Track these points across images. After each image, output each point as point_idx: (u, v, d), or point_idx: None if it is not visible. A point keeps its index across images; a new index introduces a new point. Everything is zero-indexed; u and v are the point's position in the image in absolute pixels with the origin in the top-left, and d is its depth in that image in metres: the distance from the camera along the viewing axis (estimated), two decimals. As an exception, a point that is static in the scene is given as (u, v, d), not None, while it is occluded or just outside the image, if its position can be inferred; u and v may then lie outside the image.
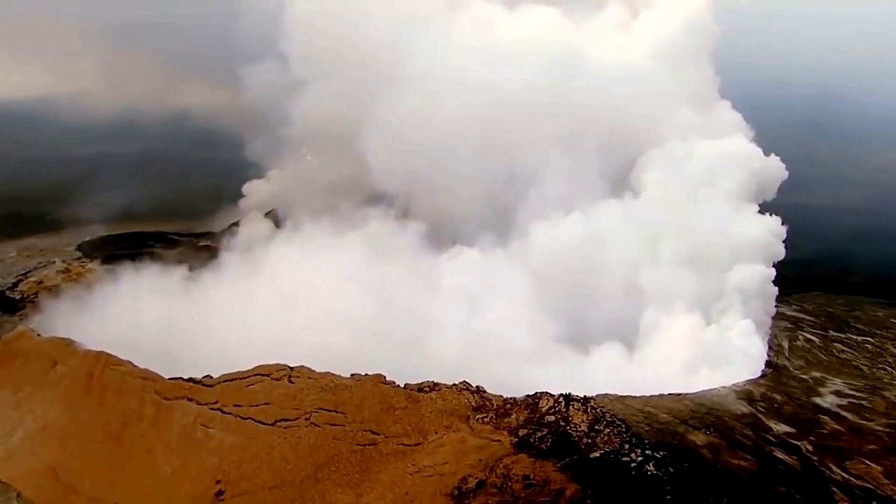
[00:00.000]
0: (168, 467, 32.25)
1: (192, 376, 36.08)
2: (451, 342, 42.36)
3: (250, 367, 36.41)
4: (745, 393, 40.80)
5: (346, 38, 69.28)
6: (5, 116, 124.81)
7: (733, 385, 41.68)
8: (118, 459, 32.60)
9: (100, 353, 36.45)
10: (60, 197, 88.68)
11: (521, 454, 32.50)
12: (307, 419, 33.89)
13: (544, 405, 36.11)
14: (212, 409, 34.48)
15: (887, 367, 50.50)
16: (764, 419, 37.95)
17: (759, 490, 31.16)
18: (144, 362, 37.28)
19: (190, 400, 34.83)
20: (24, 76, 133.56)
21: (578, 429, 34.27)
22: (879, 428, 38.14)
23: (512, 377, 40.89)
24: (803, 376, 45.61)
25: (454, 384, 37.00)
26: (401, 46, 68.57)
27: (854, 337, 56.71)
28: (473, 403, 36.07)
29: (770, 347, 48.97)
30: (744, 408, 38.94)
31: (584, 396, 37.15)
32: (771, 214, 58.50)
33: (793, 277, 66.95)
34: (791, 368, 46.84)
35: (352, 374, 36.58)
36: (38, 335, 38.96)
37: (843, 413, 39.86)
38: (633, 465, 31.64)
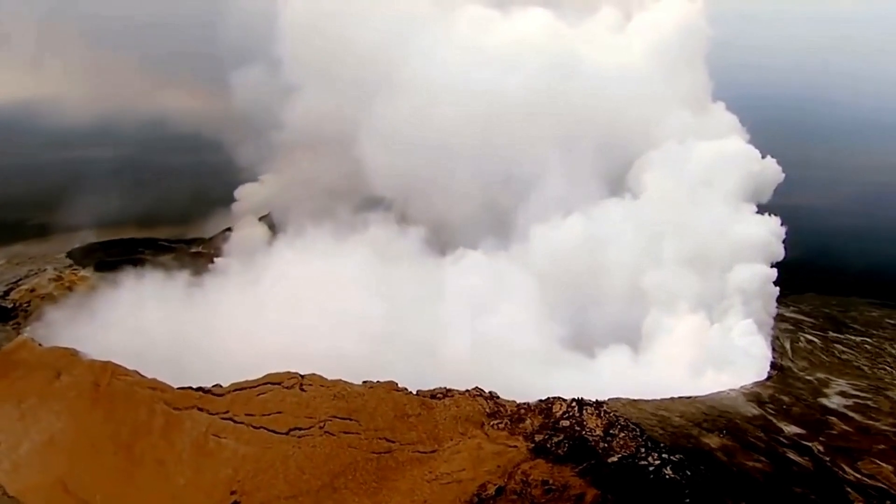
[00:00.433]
0: (181, 478, 32.05)
1: (202, 385, 35.89)
2: (459, 347, 42.59)
3: (260, 376, 36.36)
4: (753, 395, 41.55)
5: (340, 41, 69.35)
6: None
7: (742, 387, 42.44)
8: (129, 471, 32.33)
9: (106, 362, 36.14)
10: (44, 203, 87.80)
11: (538, 459, 32.78)
12: (321, 427, 33.89)
13: (558, 410, 36.45)
14: (223, 418, 34.34)
15: (887, 367, 51.68)
16: (774, 421, 38.66)
17: (775, 491, 31.74)
18: (150, 371, 37.12)
19: (200, 410, 34.65)
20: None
21: (594, 433, 34.65)
22: (886, 428, 39.02)
23: (520, 381, 41.24)
24: (808, 377, 46.52)
25: (467, 390, 37.22)
26: (396, 49, 68.88)
27: (853, 338, 57.92)
28: (487, 409, 36.30)
29: (773, 349, 49.81)
30: (754, 410, 39.63)
31: (597, 401, 37.57)
32: (770, 215, 59.82)
33: (786, 279, 68.28)
34: (795, 370, 47.76)
35: (364, 382, 36.62)
36: (40, 345, 38.47)
37: (850, 414, 40.73)
38: (650, 468, 32.06)
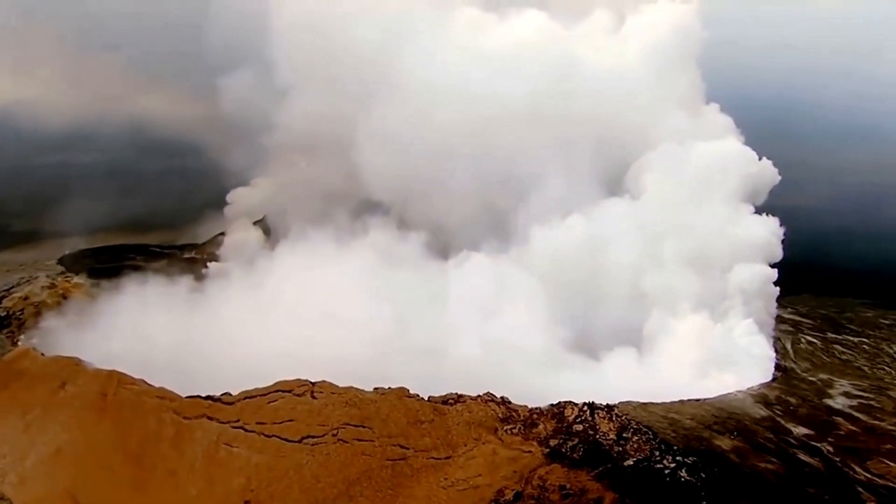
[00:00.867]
0: (193, 489, 31.86)
1: (210, 394, 35.73)
2: (467, 351, 42.81)
3: (268, 383, 36.26)
4: (760, 396, 42.23)
5: (335, 43, 69.43)
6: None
7: (748, 389, 43.15)
8: (140, 482, 32.06)
9: (111, 371, 35.76)
10: (29, 209, 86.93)
11: (554, 464, 33.09)
12: (334, 435, 33.89)
13: (570, 414, 36.79)
14: (234, 427, 34.18)
15: (886, 367, 52.70)
16: (782, 422, 39.34)
17: (788, 493, 32.33)
18: (154, 380, 36.86)
19: (210, 419, 34.46)
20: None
21: (607, 437, 35.03)
22: (892, 428, 39.86)
23: (528, 385, 41.55)
24: (811, 378, 47.34)
25: (479, 395, 37.44)
26: (393, 52, 69.08)
27: (851, 338, 58.98)
28: (500, 415, 36.54)
29: (776, 350, 50.63)
30: (762, 411, 40.29)
31: (607, 404, 37.97)
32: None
33: (781, 280, 69.35)
34: (798, 371, 48.58)
35: (375, 388, 36.70)
36: (42, 354, 38.01)
37: (856, 414, 41.53)
38: (666, 471, 32.52)
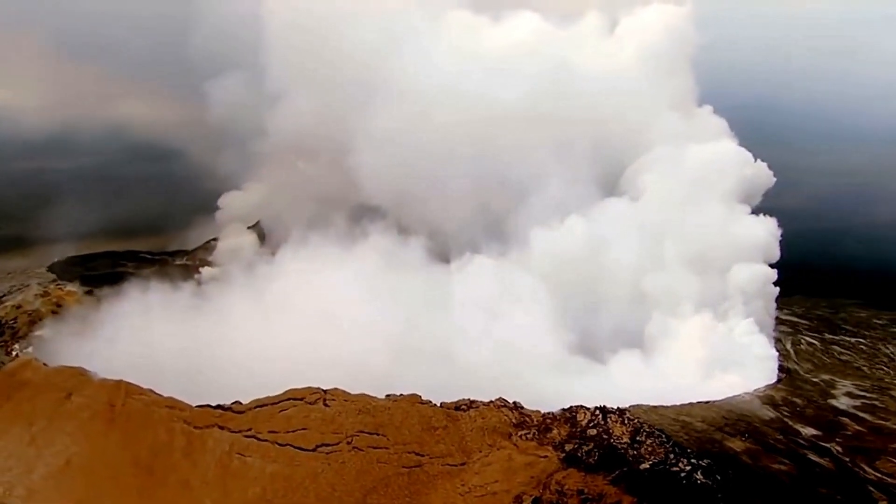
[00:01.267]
0: (208, 500, 31.70)
1: (220, 403, 35.57)
2: (475, 355, 43.03)
3: (279, 390, 36.21)
4: (767, 398, 42.99)
5: (329, 47, 69.43)
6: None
7: (755, 391, 43.88)
8: (152, 493, 31.82)
9: (118, 381, 35.47)
10: (13, 215, 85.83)
11: (570, 469, 33.39)
12: (349, 443, 33.92)
13: (582, 418, 37.13)
14: (246, 436, 34.07)
15: (884, 367, 53.81)
16: (791, 423, 40.08)
17: (801, 493, 32.97)
18: (159, 389, 36.61)
19: (221, 428, 34.30)
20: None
21: (621, 441, 35.41)
22: (897, 427, 40.76)
23: (538, 389, 41.95)
24: (814, 379, 48.24)
25: (491, 401, 37.65)
26: (387, 55, 69.23)
27: (848, 339, 60.16)
28: (513, 420, 36.77)
29: (778, 352, 51.46)
30: (770, 413, 41.00)
31: (618, 408, 38.38)
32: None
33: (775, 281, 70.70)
34: (801, 372, 49.48)
35: (387, 395, 36.79)
36: (45, 364, 37.58)
37: (861, 414, 42.41)
38: (682, 474, 32.95)
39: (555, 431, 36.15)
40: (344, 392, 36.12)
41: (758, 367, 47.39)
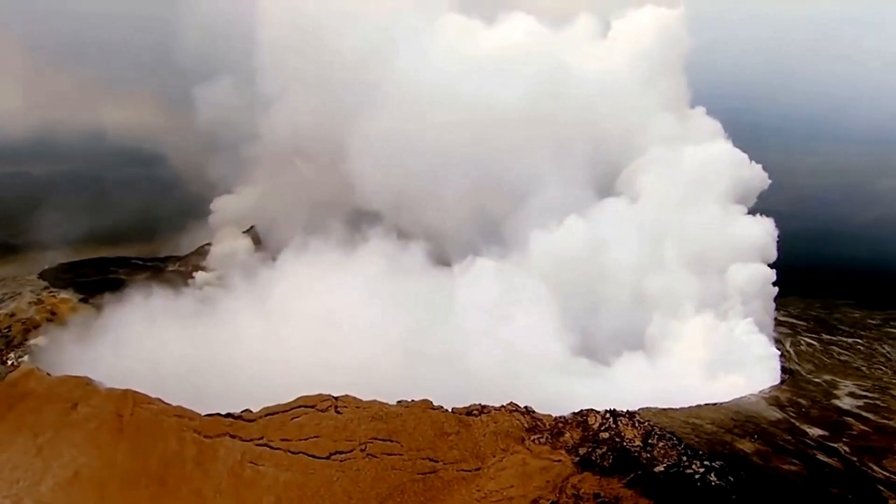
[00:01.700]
0: (222, 510, 31.60)
1: (230, 411, 35.46)
2: (482, 358, 43.28)
3: (287, 396, 36.17)
4: (773, 399, 43.72)
5: (323, 51, 69.48)
6: None
7: (761, 392, 44.57)
8: (165, 504, 31.70)
9: (125, 391, 35.21)
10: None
11: (585, 473, 33.74)
12: (362, 450, 33.97)
13: (594, 422, 37.51)
14: (258, 445, 33.99)
15: (882, 367, 54.94)
16: (797, 424, 40.80)
17: (813, 494, 33.59)
18: (166, 399, 36.43)
19: (232, 437, 34.19)
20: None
21: (633, 444, 35.85)
22: (901, 426, 41.63)
23: (546, 392, 42.36)
24: (816, 380, 49.13)
25: (502, 406, 37.88)
26: (382, 59, 69.39)
27: (845, 339, 61.30)
28: (526, 424, 37.04)
29: (780, 353, 52.30)
30: (777, 414, 41.69)
31: (628, 411, 38.84)
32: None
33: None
34: (804, 373, 50.35)
35: (398, 401, 36.89)
36: (48, 374, 37.19)
37: (864, 414, 43.27)
38: (696, 476, 33.44)
39: (567, 435, 36.47)
40: (355, 399, 36.16)
41: (761, 368, 48.16)
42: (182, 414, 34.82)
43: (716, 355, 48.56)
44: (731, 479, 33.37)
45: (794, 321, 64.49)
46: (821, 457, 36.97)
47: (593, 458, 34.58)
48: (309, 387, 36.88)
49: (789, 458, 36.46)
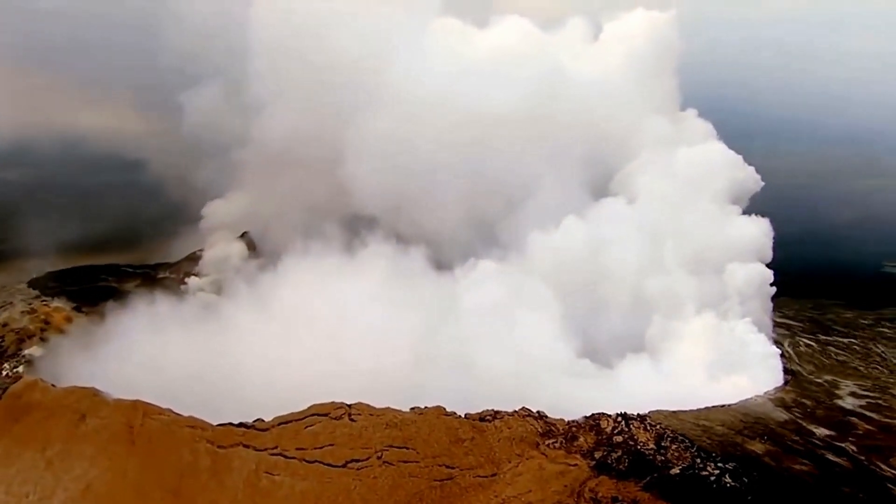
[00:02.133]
0: (239, 520, 31.52)
1: (242, 421, 35.40)
2: (490, 362, 43.63)
3: (300, 406, 36.19)
4: (779, 400, 44.60)
5: (315, 56, 69.49)
6: None
7: (766, 393, 45.43)
8: (181, 516, 31.52)
9: (135, 401, 34.96)
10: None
11: (601, 476, 34.20)
12: (378, 458, 34.08)
13: (606, 426, 38.00)
14: (272, 454, 33.95)
15: (879, 367, 56.23)
16: (804, 424, 41.66)
17: (826, 493, 34.34)
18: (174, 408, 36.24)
19: (246, 446, 34.12)
20: None
21: (647, 447, 36.38)
22: (905, 425, 42.69)
23: (554, 395, 42.75)
24: (818, 380, 50.16)
25: (515, 411, 38.27)
26: (376, 64, 69.59)
27: (840, 339, 62.62)
28: (539, 429, 37.43)
29: (782, 355, 53.30)
30: (783, 415, 42.54)
31: (638, 414, 39.41)
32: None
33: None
34: (805, 373, 51.39)
35: (412, 408, 37.08)
36: (53, 385, 36.77)
37: (868, 413, 44.29)
38: (711, 478, 34.04)
39: (581, 439, 36.91)
40: (369, 406, 36.28)
41: (764, 368, 49.02)
42: (194, 424, 34.67)
43: (719, 356, 49.34)
44: (745, 481, 34.00)
45: (791, 322, 65.75)
46: (830, 457, 37.81)
47: (609, 461, 35.03)
48: (319, 394, 36.97)
49: (799, 458, 37.21)
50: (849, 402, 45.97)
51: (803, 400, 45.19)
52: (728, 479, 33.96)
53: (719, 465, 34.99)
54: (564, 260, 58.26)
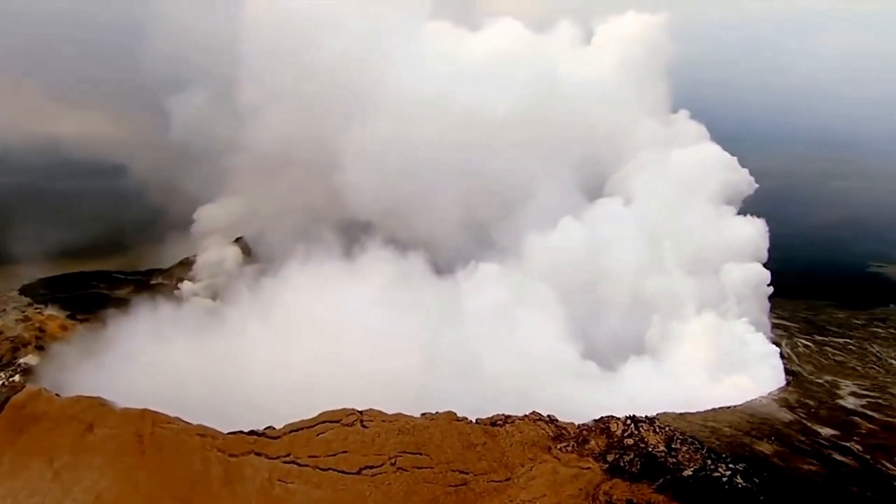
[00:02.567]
0: (254, 530, 31.44)
1: (253, 429, 35.32)
2: (498, 366, 43.94)
3: (308, 412, 36.18)
4: (783, 401, 45.37)
5: (308, 60, 69.43)
6: None
7: (770, 394, 46.14)
8: (194, 527, 31.37)
9: (143, 410, 34.74)
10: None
11: (615, 479, 34.56)
12: (392, 464, 34.16)
13: (616, 428, 38.38)
14: (285, 462, 33.89)
15: (875, 367, 57.33)
16: (809, 424, 42.44)
17: (835, 493, 35.01)
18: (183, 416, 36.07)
19: (258, 454, 34.03)
20: None
21: (658, 449, 36.81)
22: (907, 424, 43.59)
23: (562, 398, 43.10)
24: (819, 381, 51.06)
25: (525, 415, 38.52)
26: (370, 68, 69.72)
27: (836, 340, 63.73)
28: (551, 433, 37.72)
29: (781, 355, 54.17)
30: (788, 415, 43.27)
31: (647, 416, 39.86)
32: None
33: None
34: (805, 374, 52.28)
35: (422, 413, 37.21)
36: (57, 395, 36.42)
37: (869, 413, 45.16)
38: (723, 479, 34.55)
39: (592, 443, 37.25)
40: (380, 412, 36.34)
41: (765, 368, 49.83)
42: (204, 433, 34.52)
43: (720, 356, 50.04)
44: (757, 481, 34.54)
45: (787, 323, 66.76)
46: (837, 456, 38.54)
47: (621, 464, 35.40)
48: (327, 399, 37.02)
49: (807, 458, 37.89)
50: (850, 402, 46.84)
51: (806, 400, 45.99)
52: (740, 480, 34.48)
53: (730, 466, 35.52)
54: (563, 261, 58.73)
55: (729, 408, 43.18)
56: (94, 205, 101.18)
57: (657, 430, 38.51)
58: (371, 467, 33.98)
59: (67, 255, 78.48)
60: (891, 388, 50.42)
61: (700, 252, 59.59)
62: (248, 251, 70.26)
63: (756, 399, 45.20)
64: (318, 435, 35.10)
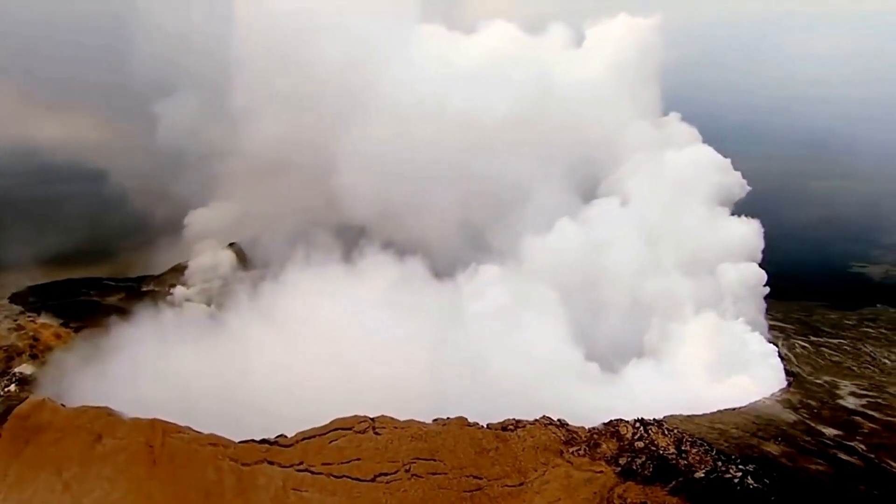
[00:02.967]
0: (270, 539, 31.43)
1: (264, 437, 35.28)
2: (504, 369, 44.25)
3: (323, 420, 36.17)
4: (786, 402, 46.22)
5: (302, 63, 69.40)
6: None
7: (773, 395, 46.96)
8: (210, 537, 31.30)
9: (153, 420, 34.58)
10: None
11: (628, 482, 35.01)
12: (407, 471, 34.32)
13: (625, 432, 38.85)
14: (298, 470, 33.91)
15: (871, 367, 58.55)
16: (813, 424, 43.27)
17: (843, 492, 35.76)
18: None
19: (271, 463, 34.00)
20: None
21: (668, 452, 37.33)
22: (907, 423, 44.58)
23: (568, 401, 43.52)
24: (818, 381, 52.05)
25: (536, 419, 38.85)
26: (364, 72, 69.85)
27: (830, 340, 64.95)
28: (562, 437, 38.08)
29: (781, 356, 55.11)
30: (792, 416, 44.09)
31: (655, 419, 40.42)
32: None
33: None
34: (805, 375, 53.24)
35: (434, 419, 37.40)
36: (62, 405, 36.10)
37: (870, 412, 46.09)
38: (735, 480, 35.14)
39: (604, 446, 37.68)
40: (392, 419, 36.47)
41: (765, 368, 50.68)
42: (216, 442, 34.44)
43: (720, 357, 50.78)
44: (767, 482, 35.18)
45: (782, 324, 67.82)
46: (842, 456, 39.31)
47: (634, 467, 35.85)
48: (336, 405, 37.13)
49: (813, 458, 38.65)
50: (851, 402, 47.80)
51: (808, 401, 46.88)
52: (751, 481, 35.08)
53: (740, 467, 36.13)
54: (562, 262, 59.27)
55: (734, 409, 43.89)
56: (80, 210, 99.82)
57: (666, 432, 39.03)
58: (385, 474, 34.10)
59: (55, 263, 77.40)
60: (889, 388, 51.51)
61: (696, 252, 60.43)
62: (242, 256, 69.91)
63: (760, 400, 46.00)
64: (330, 442, 35.14)
